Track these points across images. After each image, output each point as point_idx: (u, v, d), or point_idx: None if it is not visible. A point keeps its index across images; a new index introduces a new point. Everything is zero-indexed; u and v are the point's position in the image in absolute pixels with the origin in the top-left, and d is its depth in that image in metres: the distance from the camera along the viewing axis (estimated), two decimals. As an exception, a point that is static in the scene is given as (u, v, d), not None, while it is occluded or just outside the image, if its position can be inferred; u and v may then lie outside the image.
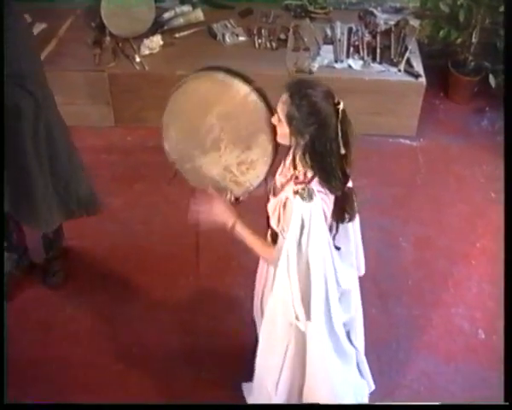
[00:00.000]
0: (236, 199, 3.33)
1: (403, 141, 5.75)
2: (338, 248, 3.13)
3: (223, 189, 3.31)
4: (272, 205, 3.03)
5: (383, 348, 4.22)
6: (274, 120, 2.90)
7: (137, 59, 5.71)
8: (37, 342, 4.39)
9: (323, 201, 2.86)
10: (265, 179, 3.23)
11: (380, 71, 5.61)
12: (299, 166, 2.89)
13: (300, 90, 2.76)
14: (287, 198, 2.88)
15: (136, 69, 5.66)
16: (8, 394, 3.67)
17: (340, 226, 3.10)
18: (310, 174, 2.84)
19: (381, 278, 4.60)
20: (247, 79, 3.11)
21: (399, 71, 5.56)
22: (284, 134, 2.86)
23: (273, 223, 3.05)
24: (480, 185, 5.37)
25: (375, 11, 6.23)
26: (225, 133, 3.16)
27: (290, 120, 2.78)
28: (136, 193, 5.21)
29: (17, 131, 3.68)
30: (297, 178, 2.89)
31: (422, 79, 5.53)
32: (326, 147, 2.76)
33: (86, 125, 5.59)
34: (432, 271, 4.70)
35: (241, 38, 5.92)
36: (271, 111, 3.03)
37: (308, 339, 3.18)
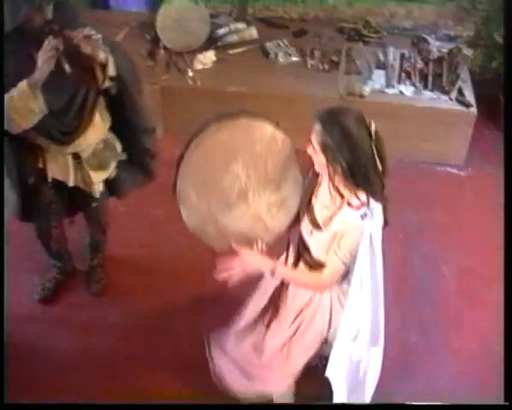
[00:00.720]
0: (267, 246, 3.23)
1: (450, 169, 5.72)
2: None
3: (252, 238, 3.21)
4: (324, 239, 2.99)
5: (420, 374, 4.20)
6: (309, 150, 2.91)
7: (190, 73, 5.78)
8: (75, 348, 4.44)
9: (380, 214, 2.92)
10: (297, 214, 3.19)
11: (431, 98, 5.60)
12: (346, 193, 2.89)
13: (331, 118, 2.81)
14: (354, 226, 2.87)
15: (188, 83, 5.73)
16: (46, 398, 3.74)
17: None
18: (362, 195, 2.85)
19: (421, 304, 4.57)
20: (266, 119, 3.08)
21: (450, 99, 5.54)
22: (320, 163, 2.89)
23: (320, 255, 3.05)
24: (526, 217, 5.29)
25: (428, 38, 6.22)
26: (252, 180, 3.11)
27: (324, 148, 2.82)
28: (179, 205, 5.24)
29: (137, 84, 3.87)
30: (350, 204, 2.88)
31: (473, 109, 5.50)
32: (365, 167, 2.80)
33: None
34: (473, 301, 4.65)
35: (294, 58, 5.94)
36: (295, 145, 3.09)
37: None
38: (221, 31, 6.15)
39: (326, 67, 5.85)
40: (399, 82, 5.74)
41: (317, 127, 2.82)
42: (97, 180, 4.10)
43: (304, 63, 5.91)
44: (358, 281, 2.99)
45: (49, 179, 4.00)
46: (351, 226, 2.89)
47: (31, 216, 4.25)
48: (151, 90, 5.68)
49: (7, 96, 3.49)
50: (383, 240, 4.79)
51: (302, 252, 3.20)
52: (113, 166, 4.13)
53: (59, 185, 4.05)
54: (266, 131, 3.06)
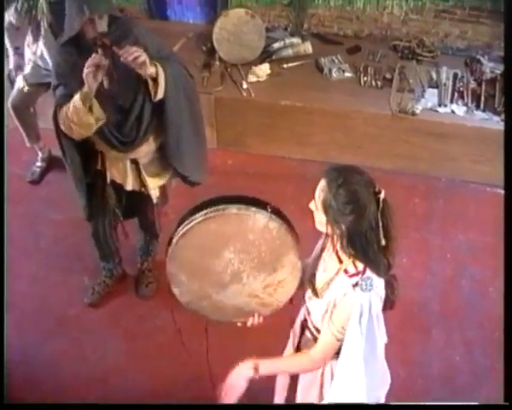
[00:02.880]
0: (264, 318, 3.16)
1: (500, 191, 5.70)
2: None
3: (248, 313, 3.15)
4: (320, 306, 2.87)
5: (463, 395, 4.20)
6: (311, 205, 2.75)
7: (244, 85, 5.84)
8: (123, 350, 4.55)
9: (379, 286, 2.72)
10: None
11: (483, 119, 5.58)
12: (345, 258, 2.74)
13: (338, 177, 2.61)
14: (344, 294, 2.71)
15: (242, 95, 5.79)
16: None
17: None
18: (360, 264, 2.70)
19: (467, 325, 4.58)
20: (262, 204, 2.90)
21: (502, 120, 5.53)
22: (320, 222, 2.73)
23: (318, 323, 2.93)
24: None
25: (481, 59, 6.20)
26: (246, 264, 2.97)
27: (326, 208, 2.64)
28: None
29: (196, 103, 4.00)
30: (346, 271, 2.73)
31: (526, 131, 5.48)
32: (365, 237, 2.62)
33: None
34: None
35: (347, 74, 5.96)
36: (294, 232, 2.92)
37: None
38: (276, 45, 6.19)
39: (379, 84, 5.87)
40: (452, 101, 5.73)
41: (323, 184, 2.66)
42: (153, 186, 4.21)
43: (357, 80, 5.93)
44: (348, 355, 2.79)
45: (108, 181, 4.13)
46: (342, 296, 2.72)
47: (90, 216, 4.39)
48: (205, 100, 5.77)
49: (65, 107, 3.65)
50: (431, 259, 4.84)
51: (306, 319, 3.09)
52: (169, 174, 4.22)
53: (117, 188, 4.17)
54: (258, 222, 2.86)
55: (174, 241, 2.96)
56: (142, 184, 4.17)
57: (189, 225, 2.87)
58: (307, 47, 6.19)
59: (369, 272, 2.68)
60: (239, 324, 3.24)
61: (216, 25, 5.98)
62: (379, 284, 2.72)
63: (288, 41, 6.26)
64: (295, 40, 6.27)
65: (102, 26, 3.60)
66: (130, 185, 4.13)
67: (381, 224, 2.60)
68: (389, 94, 5.77)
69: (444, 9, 6.21)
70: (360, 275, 2.68)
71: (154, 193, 4.25)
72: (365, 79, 5.91)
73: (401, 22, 6.36)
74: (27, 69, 5.20)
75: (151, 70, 3.62)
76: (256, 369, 2.95)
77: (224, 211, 2.86)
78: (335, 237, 2.69)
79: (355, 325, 2.69)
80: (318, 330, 2.95)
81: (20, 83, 5.30)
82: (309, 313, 3.03)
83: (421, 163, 5.68)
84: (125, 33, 3.70)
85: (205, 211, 2.85)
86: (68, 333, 4.64)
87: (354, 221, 2.60)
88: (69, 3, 3.60)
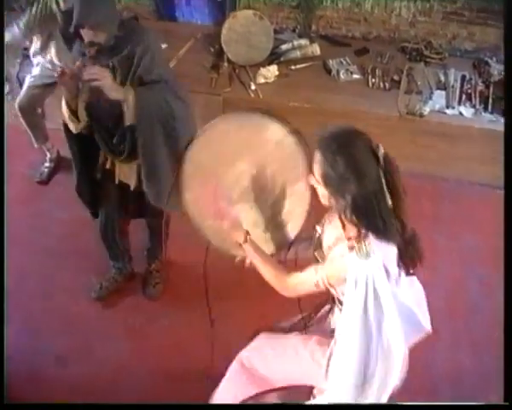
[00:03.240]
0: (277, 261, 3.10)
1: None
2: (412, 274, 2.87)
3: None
4: (331, 253, 2.78)
5: (470, 396, 4.19)
6: (312, 181, 2.67)
7: (252, 86, 5.86)
8: (129, 349, 4.57)
9: (385, 254, 2.62)
10: (297, 238, 3.04)
11: (490, 120, 5.59)
12: (349, 226, 2.65)
13: (333, 145, 2.52)
14: (342, 255, 2.64)
15: (250, 96, 5.81)
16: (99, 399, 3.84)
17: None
18: (364, 230, 2.59)
19: (474, 327, 4.57)
20: (283, 120, 2.90)
21: (510, 122, 5.53)
22: (324, 195, 2.67)
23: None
24: None
25: (489, 61, 6.20)
26: (256, 182, 2.96)
27: (326, 180, 2.58)
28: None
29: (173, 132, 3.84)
30: (350, 238, 2.62)
31: (534, 133, 5.48)
32: (371, 202, 2.52)
33: None
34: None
35: (355, 76, 5.97)
36: (307, 158, 2.85)
37: None
38: (284, 46, 6.20)
39: (387, 85, 5.89)
40: (460, 103, 5.75)
41: (318, 157, 2.59)
42: None
43: (365, 81, 5.94)
44: (344, 329, 2.75)
45: (117, 181, 4.15)
46: (339, 256, 2.66)
47: (95, 212, 4.46)
48: (214, 101, 5.80)
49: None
50: (440, 260, 4.84)
51: None
52: None
53: (125, 189, 4.19)
54: (275, 134, 2.87)
55: (194, 141, 2.98)
56: None
57: (210, 124, 2.93)
58: (315, 49, 6.20)
59: (371, 239, 2.58)
60: (237, 259, 3.24)
61: (224, 26, 6.01)
62: (389, 251, 2.64)
63: (296, 43, 6.26)
64: (303, 42, 6.28)
65: (92, 35, 3.60)
66: (133, 186, 4.16)
67: (384, 182, 2.50)
68: (397, 96, 5.79)
69: (452, 11, 6.21)
70: (357, 239, 2.58)
71: None
72: (373, 80, 5.93)
73: (409, 24, 6.36)
74: (35, 70, 5.22)
75: (114, 94, 3.64)
76: (245, 240, 2.99)
77: (244, 116, 2.93)
78: (340, 208, 2.60)
79: (350, 292, 2.61)
80: None
81: (27, 83, 5.33)
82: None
83: (428, 164, 5.69)
84: (130, 41, 3.70)
85: (229, 116, 3.01)
86: (75, 332, 4.66)
87: (357, 187, 2.50)
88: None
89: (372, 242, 2.58)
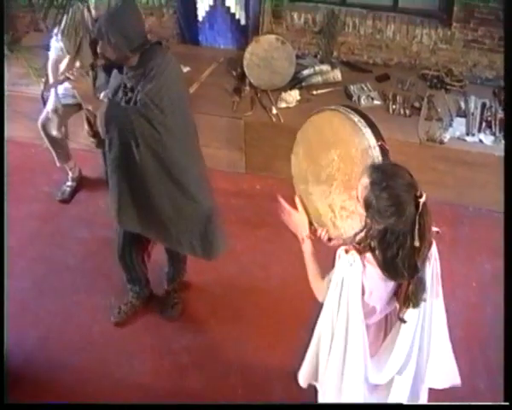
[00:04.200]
0: (329, 239, 3.34)
1: (527, 221, 5.69)
2: (404, 321, 3.06)
3: (321, 224, 3.35)
4: (337, 253, 2.99)
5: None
6: (353, 194, 2.88)
7: (274, 111, 5.88)
8: (146, 369, 4.57)
9: (368, 277, 2.85)
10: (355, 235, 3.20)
11: (510, 148, 5.58)
12: (368, 241, 2.88)
13: (382, 180, 2.69)
14: (339, 255, 2.91)
15: (271, 120, 5.84)
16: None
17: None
18: (371, 246, 2.85)
19: (491, 353, 4.55)
20: (377, 133, 3.08)
21: (531, 151, 5.53)
22: (360, 213, 2.86)
23: None
24: None
25: (510, 89, 6.23)
26: (340, 174, 3.18)
27: (367, 206, 2.74)
28: (258, 239, 5.34)
29: (135, 156, 3.85)
30: (359, 243, 2.91)
31: (554, 162, 5.47)
32: (397, 239, 2.73)
33: (218, 168, 5.69)
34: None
35: (376, 102, 5.98)
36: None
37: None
38: (306, 71, 6.24)
39: (407, 112, 5.89)
40: (479, 130, 5.73)
41: (365, 182, 2.74)
42: None
43: (386, 107, 5.96)
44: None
45: None
46: (336, 257, 2.93)
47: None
48: (235, 125, 5.86)
49: None
50: (456, 286, 4.83)
51: None
52: None
53: None
54: (366, 141, 3.03)
55: (312, 115, 3.36)
56: None
57: (324, 108, 3.29)
58: (337, 74, 6.23)
59: (367, 257, 2.84)
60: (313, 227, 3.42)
61: (247, 50, 6.06)
62: (374, 276, 2.85)
63: (317, 68, 6.29)
64: (325, 67, 6.31)
65: (104, 49, 3.72)
66: None
67: (417, 226, 2.66)
68: (417, 122, 5.79)
69: (473, 39, 6.24)
70: (356, 250, 2.86)
71: None
72: (394, 106, 5.94)
73: (430, 51, 6.40)
74: (61, 89, 5.28)
75: (87, 104, 3.79)
76: (303, 240, 3.29)
77: (349, 114, 3.12)
78: (369, 229, 2.84)
79: (332, 288, 2.96)
80: None
81: (52, 102, 5.39)
82: None
83: (448, 191, 5.68)
84: (148, 65, 3.77)
85: (339, 106, 3.24)
86: (93, 350, 4.68)
87: (393, 223, 2.70)
88: None
89: (368, 260, 2.84)
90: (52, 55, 5.11)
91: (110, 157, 3.89)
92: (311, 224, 3.40)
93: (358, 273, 2.83)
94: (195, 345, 4.69)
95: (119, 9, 3.79)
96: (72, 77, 3.67)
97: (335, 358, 3.09)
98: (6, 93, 5.72)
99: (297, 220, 3.35)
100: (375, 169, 2.75)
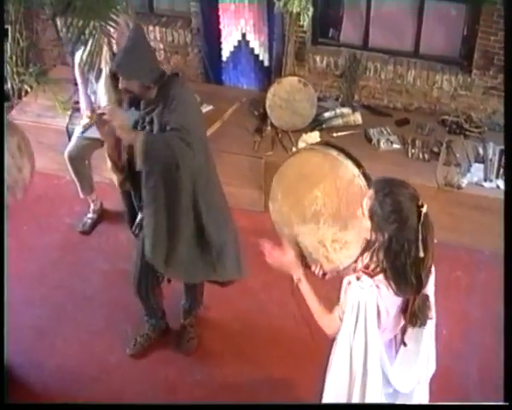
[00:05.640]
0: (324, 274, 3.41)
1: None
2: (405, 345, 3.13)
3: (313, 260, 3.42)
4: (344, 283, 3.04)
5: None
6: (358, 213, 2.96)
7: (294, 151, 5.94)
8: (159, 401, 4.56)
9: (383, 297, 2.90)
10: (355, 262, 3.26)
11: (528, 195, 5.60)
12: (373, 262, 2.97)
13: (385, 187, 2.85)
14: (349, 282, 2.95)
15: (292, 160, 5.87)
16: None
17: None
18: (379, 268, 2.91)
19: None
20: (357, 163, 3.22)
21: (548, 199, 5.55)
22: (366, 228, 2.93)
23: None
24: None
25: (528, 137, 6.26)
26: (327, 208, 3.27)
27: (372, 215, 2.86)
28: (276, 276, 5.33)
29: (175, 182, 3.92)
30: (367, 267, 2.99)
31: None
32: (403, 247, 2.81)
33: (237, 206, 5.58)
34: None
35: (395, 146, 6.03)
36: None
37: None
38: (327, 114, 6.31)
39: (426, 156, 5.93)
40: (497, 177, 5.75)
41: (370, 192, 2.89)
42: None
43: (405, 151, 6.00)
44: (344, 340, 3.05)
45: None
46: (345, 283, 2.99)
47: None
48: (256, 164, 5.93)
49: None
50: (471, 330, 4.83)
51: None
52: None
53: None
54: (349, 172, 3.15)
55: (288, 159, 3.50)
56: None
57: (300, 149, 3.46)
58: (357, 117, 6.29)
59: (378, 278, 2.90)
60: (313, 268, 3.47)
61: (269, 91, 6.13)
62: (389, 297, 2.90)
63: (338, 111, 6.36)
64: (346, 110, 6.38)
65: (125, 83, 3.84)
66: None
67: (420, 236, 2.77)
68: (436, 167, 5.83)
69: (492, 86, 6.29)
70: (368, 274, 2.93)
71: None
72: (413, 151, 5.98)
73: (450, 97, 6.45)
74: (85, 122, 5.37)
75: (124, 136, 3.80)
76: (299, 280, 3.26)
77: (327, 150, 3.29)
78: (376, 243, 2.91)
79: (348, 317, 2.96)
80: None
81: (77, 133, 5.50)
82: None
83: (464, 236, 5.70)
84: (167, 95, 3.87)
85: (315, 144, 3.48)
86: (108, 380, 4.72)
87: (396, 230, 2.80)
88: None
89: (379, 281, 2.90)
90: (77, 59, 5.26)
91: (148, 186, 3.92)
92: (303, 261, 3.44)
93: (374, 296, 2.89)
94: (209, 380, 4.70)
95: (135, 43, 3.88)
96: (105, 111, 3.75)
97: (356, 385, 3.11)
98: (31, 124, 5.84)
99: (286, 262, 3.34)
100: (380, 180, 2.94)
